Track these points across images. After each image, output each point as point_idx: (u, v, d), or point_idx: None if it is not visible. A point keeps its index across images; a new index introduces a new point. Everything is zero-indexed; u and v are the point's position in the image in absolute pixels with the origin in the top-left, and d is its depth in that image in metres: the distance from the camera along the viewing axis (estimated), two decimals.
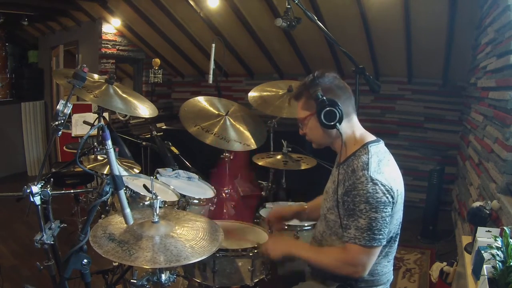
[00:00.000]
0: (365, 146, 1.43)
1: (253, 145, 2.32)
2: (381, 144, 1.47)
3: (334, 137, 1.48)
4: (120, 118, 4.53)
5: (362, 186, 1.31)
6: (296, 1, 1.92)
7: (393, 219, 1.38)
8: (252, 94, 2.68)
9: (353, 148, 1.45)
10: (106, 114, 2.99)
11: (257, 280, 1.78)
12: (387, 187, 1.32)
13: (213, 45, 2.51)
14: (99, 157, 2.46)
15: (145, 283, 1.48)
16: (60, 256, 1.51)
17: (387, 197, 1.31)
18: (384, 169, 1.37)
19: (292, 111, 2.47)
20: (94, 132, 1.89)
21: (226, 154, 2.43)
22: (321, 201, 1.64)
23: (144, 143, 3.26)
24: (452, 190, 4.28)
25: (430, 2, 3.33)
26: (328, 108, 1.39)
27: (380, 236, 1.31)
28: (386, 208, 1.31)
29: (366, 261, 1.34)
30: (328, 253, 1.45)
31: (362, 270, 1.35)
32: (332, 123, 1.40)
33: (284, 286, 1.80)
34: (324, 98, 1.40)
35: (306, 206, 1.85)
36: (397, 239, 1.47)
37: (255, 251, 1.76)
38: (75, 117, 4.05)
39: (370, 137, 1.49)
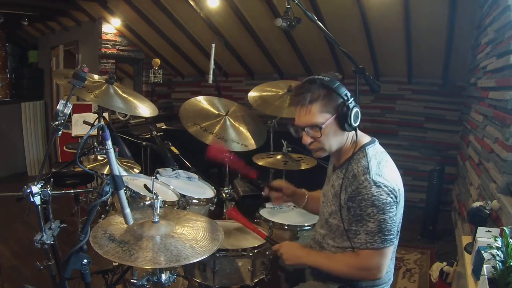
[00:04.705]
0: (362, 149, 1.42)
1: (252, 145, 2.32)
2: (377, 144, 1.47)
3: (343, 141, 1.44)
4: (120, 118, 4.53)
5: (366, 190, 1.31)
6: (296, 1, 1.92)
7: (396, 218, 1.38)
8: (252, 94, 2.68)
9: (350, 151, 1.45)
10: (106, 114, 2.99)
11: (257, 280, 1.78)
12: (389, 187, 1.33)
13: (213, 45, 2.51)
14: (99, 157, 2.46)
15: (145, 283, 1.48)
16: (60, 256, 1.51)
17: (391, 198, 1.32)
18: (384, 171, 1.37)
19: (292, 111, 2.47)
20: (94, 132, 1.89)
21: (226, 154, 2.42)
22: (320, 205, 1.63)
23: (144, 143, 3.26)
24: (452, 190, 4.28)
25: (430, 2, 3.33)
26: (357, 109, 1.36)
27: (391, 236, 1.32)
28: (392, 208, 1.32)
29: (380, 263, 1.34)
30: (342, 260, 1.43)
31: (377, 273, 1.35)
32: (356, 125, 1.37)
33: (284, 287, 1.80)
34: (352, 97, 1.36)
35: (306, 194, 1.80)
36: (398, 237, 1.47)
37: (255, 251, 1.76)
38: (75, 117, 4.05)
39: (365, 138, 1.48)
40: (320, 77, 1.38)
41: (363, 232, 1.33)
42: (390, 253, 1.37)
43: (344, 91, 1.36)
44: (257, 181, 1.96)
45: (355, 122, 1.36)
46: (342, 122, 1.36)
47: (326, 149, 1.43)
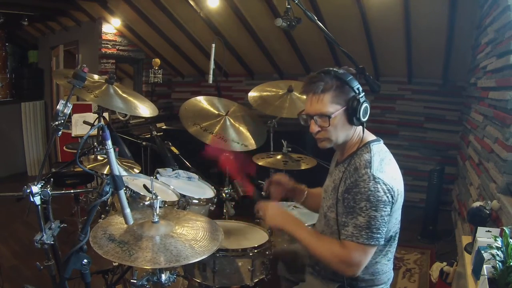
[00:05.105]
0: (366, 145, 1.43)
1: (252, 145, 2.31)
2: (382, 143, 1.48)
3: (350, 135, 1.45)
4: (120, 118, 4.53)
5: (364, 184, 1.31)
6: (296, 1, 1.92)
7: (392, 218, 1.38)
8: (252, 94, 2.68)
9: (354, 147, 1.45)
10: (106, 114, 2.99)
11: (257, 280, 1.78)
12: (388, 186, 1.32)
13: (213, 45, 2.51)
14: (99, 157, 2.46)
15: (145, 283, 1.48)
16: (60, 256, 1.51)
17: (387, 196, 1.31)
18: (386, 168, 1.37)
19: (292, 111, 2.48)
20: (94, 132, 1.89)
21: (226, 154, 2.43)
22: (321, 200, 1.63)
23: (144, 143, 3.26)
24: (452, 190, 4.28)
25: (430, 2, 3.33)
26: (367, 104, 1.38)
27: (378, 235, 1.31)
28: (386, 207, 1.31)
29: (361, 260, 1.32)
30: (326, 243, 1.40)
31: (356, 269, 1.34)
32: (364, 120, 1.39)
33: (284, 287, 1.81)
34: (364, 93, 1.37)
35: (306, 190, 1.79)
36: (397, 238, 1.46)
37: (255, 251, 1.76)
38: (75, 117, 4.05)
39: (371, 136, 1.49)
40: (334, 69, 1.40)
41: (352, 224, 1.32)
42: (372, 253, 1.35)
43: (357, 85, 1.38)
44: (257, 180, 1.96)
45: (363, 117, 1.38)
46: (351, 115, 1.38)
47: (332, 139, 1.43)
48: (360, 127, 1.44)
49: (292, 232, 1.48)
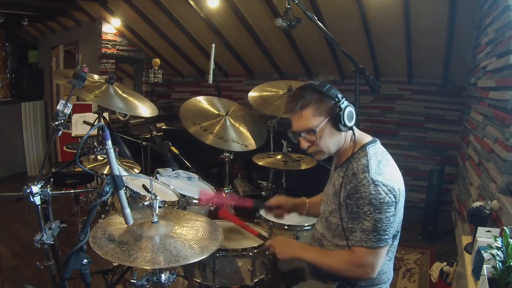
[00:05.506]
0: (363, 148, 1.43)
1: (252, 145, 2.32)
2: (378, 144, 1.48)
3: (342, 141, 1.46)
4: (120, 118, 4.53)
5: (364, 188, 1.32)
6: (296, 1, 1.92)
7: (396, 217, 1.39)
8: (252, 94, 2.68)
9: (349, 151, 1.45)
10: (106, 114, 2.99)
11: (257, 280, 1.79)
12: (388, 187, 1.32)
13: (213, 45, 2.52)
14: (99, 157, 2.46)
15: (145, 283, 1.48)
16: (60, 256, 1.51)
17: (389, 197, 1.32)
18: (384, 170, 1.37)
19: None
20: (94, 132, 1.89)
21: (226, 154, 2.43)
22: (321, 203, 1.64)
23: (144, 143, 3.26)
24: (452, 190, 4.28)
25: (430, 2, 3.33)
26: (350, 109, 1.38)
27: (386, 236, 1.32)
28: (390, 208, 1.32)
29: (374, 262, 1.34)
30: (337, 256, 1.44)
31: (371, 271, 1.36)
32: (351, 124, 1.39)
33: (284, 286, 1.80)
34: (344, 98, 1.38)
35: (306, 201, 1.83)
36: (398, 237, 1.47)
37: (255, 250, 1.76)
38: (75, 117, 4.05)
39: (367, 137, 1.49)
40: (310, 82, 1.43)
41: (359, 230, 1.33)
42: (385, 253, 1.37)
43: (335, 93, 1.39)
44: (257, 179, 1.96)
45: (349, 122, 1.38)
46: (336, 123, 1.38)
47: (324, 151, 1.46)
48: (351, 131, 1.44)
49: (302, 257, 1.52)
